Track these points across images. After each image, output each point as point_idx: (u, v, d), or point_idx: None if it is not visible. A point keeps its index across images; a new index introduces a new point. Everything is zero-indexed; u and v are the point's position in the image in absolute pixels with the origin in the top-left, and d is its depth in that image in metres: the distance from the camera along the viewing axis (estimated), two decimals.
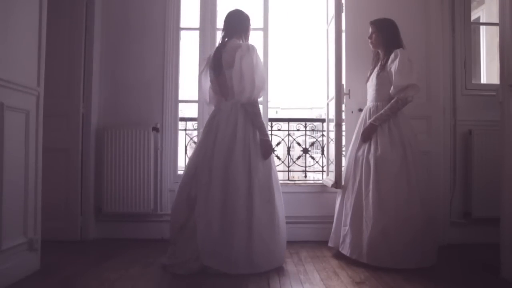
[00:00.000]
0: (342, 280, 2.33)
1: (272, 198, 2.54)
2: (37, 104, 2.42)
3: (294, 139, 4.08)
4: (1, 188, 2.09)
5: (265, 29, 3.40)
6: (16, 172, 2.24)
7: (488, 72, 4.01)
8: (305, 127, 3.99)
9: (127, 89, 3.38)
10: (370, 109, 2.82)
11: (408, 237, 2.51)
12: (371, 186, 2.61)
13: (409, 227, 2.52)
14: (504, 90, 2.36)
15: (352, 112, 3.22)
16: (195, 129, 3.63)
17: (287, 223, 2.68)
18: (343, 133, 3.09)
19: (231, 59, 2.54)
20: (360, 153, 2.76)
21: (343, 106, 3.04)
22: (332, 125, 3.12)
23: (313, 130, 4.22)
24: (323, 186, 3.37)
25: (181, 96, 3.47)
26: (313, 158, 4.16)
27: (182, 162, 3.74)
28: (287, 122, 4.12)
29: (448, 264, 2.67)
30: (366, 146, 2.73)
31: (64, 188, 3.17)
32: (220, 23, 3.44)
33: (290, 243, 2.76)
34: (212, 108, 2.77)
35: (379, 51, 2.87)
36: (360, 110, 3.07)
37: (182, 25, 3.48)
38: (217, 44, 2.74)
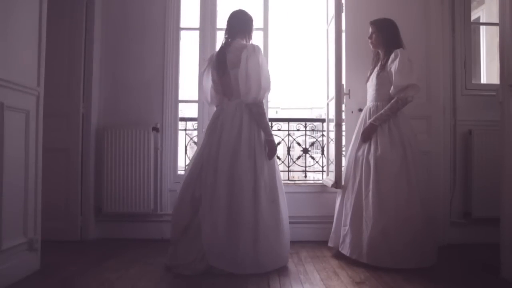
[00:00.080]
0: (342, 280, 2.33)
1: (277, 198, 2.55)
2: (37, 104, 2.42)
3: (294, 139, 4.08)
4: (1, 188, 2.09)
5: (265, 29, 3.41)
6: (16, 172, 2.24)
7: (488, 72, 4.01)
8: (305, 127, 3.99)
9: (127, 89, 3.38)
10: (370, 109, 2.82)
11: (408, 237, 2.51)
12: (371, 186, 2.61)
13: (409, 227, 2.52)
14: (504, 90, 2.36)
15: (352, 112, 3.21)
16: (195, 129, 3.63)
17: None
18: (343, 133, 3.09)
19: (236, 59, 2.54)
20: (360, 153, 2.76)
21: (343, 106, 3.04)
22: (332, 125, 3.12)
23: (313, 130, 4.22)
24: (323, 186, 3.37)
25: (181, 96, 3.47)
26: (313, 158, 4.16)
27: (182, 162, 3.75)
28: (287, 122, 4.12)
29: (448, 264, 2.67)
30: (366, 146, 2.73)
31: (64, 188, 3.18)
32: (220, 23, 3.44)
33: (290, 243, 2.75)
34: (213, 108, 2.77)
35: (379, 51, 2.87)
36: (360, 110, 3.07)
37: (182, 25, 3.48)
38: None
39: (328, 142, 3.56)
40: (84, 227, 3.23)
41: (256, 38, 2.81)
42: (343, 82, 3.00)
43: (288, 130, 4.05)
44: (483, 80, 3.92)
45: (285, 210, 2.61)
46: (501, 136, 2.40)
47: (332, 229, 2.90)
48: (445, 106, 3.26)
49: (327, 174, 3.49)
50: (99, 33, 3.36)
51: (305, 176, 4.01)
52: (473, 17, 3.67)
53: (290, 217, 2.68)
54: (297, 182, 3.91)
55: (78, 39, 3.23)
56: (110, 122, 3.34)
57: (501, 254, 2.33)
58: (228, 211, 2.43)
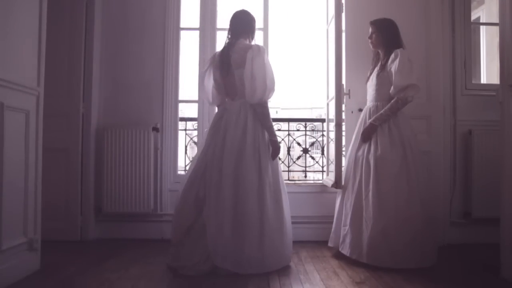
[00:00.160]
0: (342, 280, 2.33)
1: (280, 198, 2.56)
2: (37, 104, 2.42)
3: (294, 139, 4.08)
4: (1, 188, 2.09)
5: (265, 29, 3.41)
6: (16, 172, 2.24)
7: (488, 72, 4.01)
8: (305, 127, 3.99)
9: (127, 89, 3.38)
10: (370, 109, 2.82)
11: (408, 237, 2.51)
12: (371, 186, 2.61)
13: (409, 227, 2.52)
14: (504, 90, 2.36)
15: (352, 112, 3.21)
16: (195, 129, 3.63)
17: None
18: (343, 133, 3.09)
19: (240, 60, 2.54)
20: (360, 153, 2.76)
21: (343, 106, 3.05)
22: (332, 125, 3.12)
23: (313, 130, 4.22)
24: (323, 186, 3.37)
25: (181, 96, 3.47)
26: (313, 158, 4.16)
27: (182, 162, 3.75)
28: (287, 122, 4.12)
29: (448, 264, 2.67)
30: (366, 146, 2.73)
31: (64, 188, 3.18)
32: (220, 23, 3.45)
33: None
34: (214, 107, 2.76)
35: (379, 51, 2.87)
36: (360, 110, 3.07)
37: (182, 25, 3.48)
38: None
39: (328, 142, 3.56)
40: (84, 227, 3.23)
41: (256, 38, 2.81)
42: (343, 82, 3.00)
43: (288, 130, 4.05)
44: (483, 80, 3.92)
45: (287, 210, 2.62)
46: (501, 136, 2.40)
47: (332, 229, 2.90)
48: (445, 106, 3.26)
49: (327, 174, 3.49)
50: (99, 33, 3.36)
51: (305, 176, 4.01)
52: (473, 17, 3.67)
53: (290, 217, 2.69)
54: (297, 182, 3.91)
55: (78, 39, 3.23)
56: (110, 122, 3.34)
57: (501, 254, 2.33)
58: (234, 211, 2.42)
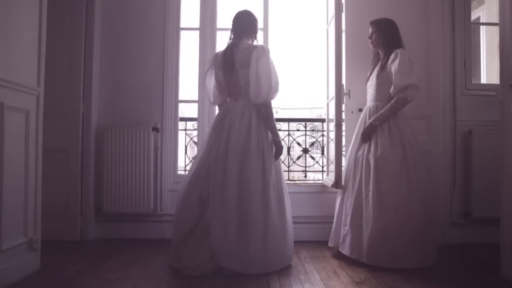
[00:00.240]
0: (342, 280, 2.33)
1: (282, 198, 2.57)
2: (37, 104, 2.42)
3: (294, 139, 4.08)
4: (1, 188, 2.09)
5: (265, 29, 3.40)
6: (16, 172, 2.24)
7: (488, 72, 4.01)
8: (305, 127, 3.99)
9: (127, 89, 3.38)
10: (370, 109, 2.82)
11: (408, 237, 2.51)
12: (371, 186, 2.61)
13: (409, 227, 2.52)
14: (504, 90, 2.36)
15: (352, 112, 3.21)
16: (195, 129, 3.63)
17: None
18: (343, 133, 3.09)
19: (245, 60, 2.54)
20: (360, 153, 2.76)
21: (343, 106, 3.05)
22: (332, 125, 3.12)
23: (313, 130, 4.22)
24: (323, 186, 3.37)
25: (181, 96, 3.47)
26: (313, 158, 4.16)
27: (182, 162, 3.75)
28: (287, 122, 4.12)
29: (448, 264, 2.67)
30: (366, 146, 2.73)
31: (64, 188, 3.17)
32: (220, 23, 3.45)
33: None
34: (215, 107, 2.75)
35: (379, 51, 2.87)
36: (360, 110, 3.07)
37: (182, 25, 3.48)
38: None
39: (328, 142, 3.56)
40: (84, 227, 3.23)
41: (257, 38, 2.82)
42: (343, 82, 3.00)
43: (288, 130, 4.05)
44: (483, 80, 3.92)
45: (289, 210, 2.63)
46: (501, 136, 2.40)
47: (332, 229, 2.90)
48: (445, 106, 3.26)
49: (327, 174, 3.49)
50: (99, 33, 3.36)
51: (305, 176, 4.01)
52: (473, 17, 3.67)
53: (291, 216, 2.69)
54: (297, 182, 3.91)
55: (78, 39, 3.23)
56: (110, 122, 3.34)
57: (501, 254, 2.33)
58: (238, 211, 2.42)
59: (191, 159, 3.76)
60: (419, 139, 2.91)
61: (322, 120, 4.04)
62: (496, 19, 2.63)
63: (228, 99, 2.70)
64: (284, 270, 2.50)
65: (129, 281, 2.26)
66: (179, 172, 3.46)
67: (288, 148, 3.96)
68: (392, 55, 2.70)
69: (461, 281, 2.33)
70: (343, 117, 3.08)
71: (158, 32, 3.39)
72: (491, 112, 2.76)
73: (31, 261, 2.37)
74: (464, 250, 3.04)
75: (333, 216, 2.93)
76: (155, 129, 3.33)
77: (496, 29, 2.93)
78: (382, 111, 2.70)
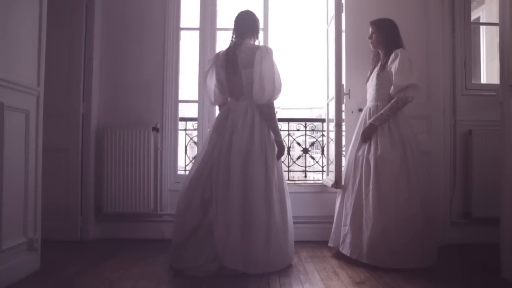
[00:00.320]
0: (342, 280, 2.33)
1: (284, 198, 2.58)
2: (37, 104, 2.42)
3: (294, 139, 4.08)
4: (1, 188, 2.09)
5: (265, 29, 3.40)
6: (16, 172, 2.24)
7: (488, 72, 4.01)
8: (305, 127, 3.99)
9: (127, 89, 3.38)
10: (370, 109, 2.82)
11: (408, 237, 2.51)
12: (371, 186, 2.61)
13: (409, 227, 2.52)
14: (504, 90, 2.36)
15: (352, 112, 3.21)
16: (195, 129, 3.63)
17: None
18: (343, 133, 3.09)
19: (248, 60, 2.53)
20: (360, 153, 2.76)
21: (343, 106, 3.04)
22: (332, 125, 3.12)
23: (313, 130, 4.22)
24: (323, 186, 3.37)
25: (181, 96, 3.47)
26: (313, 158, 4.16)
27: (182, 162, 3.74)
28: (287, 122, 4.12)
29: (448, 264, 2.67)
30: (366, 146, 2.73)
31: (64, 188, 3.17)
32: (220, 23, 3.45)
33: None
34: (215, 107, 2.75)
35: (379, 51, 2.87)
36: (360, 110, 3.07)
37: (182, 25, 3.48)
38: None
39: (328, 142, 3.56)
40: (84, 227, 3.23)
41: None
42: (343, 82, 3.00)
43: (288, 130, 4.05)
44: (483, 80, 3.92)
45: (290, 210, 2.63)
46: (501, 136, 2.40)
47: (332, 229, 2.90)
48: (445, 106, 3.26)
49: (327, 174, 3.49)
50: (99, 33, 3.35)
51: (305, 176, 4.01)
52: (473, 17, 3.67)
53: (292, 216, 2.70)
54: (297, 182, 3.91)
55: (78, 39, 3.23)
56: (110, 122, 3.34)
57: (501, 254, 2.33)
58: (242, 211, 2.42)
59: (191, 159, 3.76)
60: (419, 139, 2.91)
61: (322, 120, 4.04)
62: (496, 19, 2.63)
63: (229, 99, 2.70)
64: (284, 270, 2.51)
65: (129, 281, 2.26)
66: (179, 172, 3.46)
67: (288, 148, 3.96)
68: (392, 55, 2.70)
69: (461, 281, 2.33)
70: (343, 117, 3.08)
71: (158, 32, 3.39)
72: (491, 112, 2.76)
73: (31, 261, 2.37)
74: (464, 250, 3.04)
75: (333, 216, 2.93)
76: (155, 129, 3.33)
77: (496, 29, 2.93)
78: (382, 111, 2.70)
